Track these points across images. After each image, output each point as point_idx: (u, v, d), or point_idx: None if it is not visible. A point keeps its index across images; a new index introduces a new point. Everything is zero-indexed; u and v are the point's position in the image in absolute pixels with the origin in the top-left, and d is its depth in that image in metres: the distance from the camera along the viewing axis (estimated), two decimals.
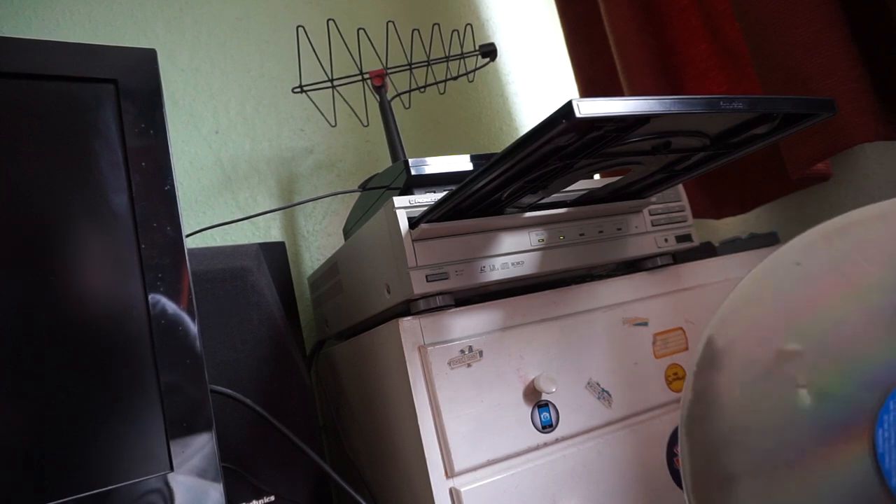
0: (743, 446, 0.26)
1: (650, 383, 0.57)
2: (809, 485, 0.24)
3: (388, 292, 0.52)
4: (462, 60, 0.83)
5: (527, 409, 0.51)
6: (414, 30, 0.92)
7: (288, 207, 0.80)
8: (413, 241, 0.49)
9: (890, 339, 0.25)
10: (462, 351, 0.50)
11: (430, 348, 0.49)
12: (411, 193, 0.55)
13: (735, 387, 0.28)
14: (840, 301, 0.27)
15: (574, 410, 0.52)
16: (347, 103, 0.84)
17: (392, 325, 0.50)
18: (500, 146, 1.05)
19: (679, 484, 0.54)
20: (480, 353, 0.50)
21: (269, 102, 0.88)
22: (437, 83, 0.83)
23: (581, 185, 0.57)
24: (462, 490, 0.47)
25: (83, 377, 0.36)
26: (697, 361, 0.30)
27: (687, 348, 0.60)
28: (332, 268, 0.67)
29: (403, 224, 0.49)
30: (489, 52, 0.79)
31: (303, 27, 0.82)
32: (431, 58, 0.81)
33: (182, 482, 0.37)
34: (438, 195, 0.51)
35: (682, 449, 0.29)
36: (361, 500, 0.52)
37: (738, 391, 0.28)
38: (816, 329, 0.27)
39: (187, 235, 0.64)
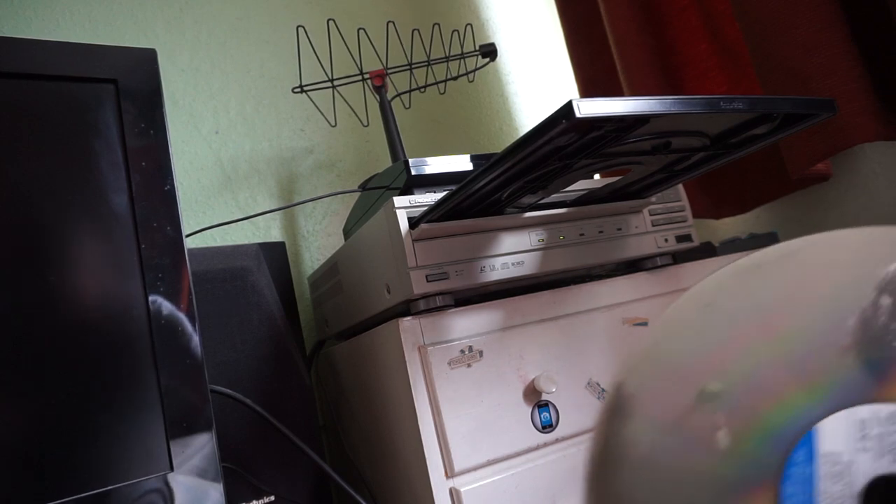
0: (643, 500, 0.25)
1: None
2: None
3: (388, 292, 0.52)
4: (462, 60, 0.83)
5: (527, 409, 0.51)
6: (414, 30, 0.92)
7: (288, 207, 0.80)
8: (413, 241, 0.49)
9: (799, 388, 0.24)
10: (462, 351, 0.50)
11: (430, 348, 0.49)
12: (411, 193, 0.55)
13: (644, 437, 0.26)
14: (751, 346, 0.26)
15: (574, 410, 0.52)
16: (347, 103, 0.84)
17: (392, 325, 0.50)
18: (500, 146, 1.05)
19: None
20: (480, 353, 0.50)
21: (269, 102, 0.88)
22: (437, 83, 0.83)
23: (581, 185, 0.57)
24: (462, 490, 0.47)
25: (83, 377, 0.36)
26: (607, 408, 0.28)
27: None
28: (332, 268, 0.67)
29: (403, 224, 0.49)
30: (489, 52, 0.79)
31: (303, 27, 0.82)
32: (431, 58, 0.81)
33: (182, 482, 0.37)
34: (438, 195, 0.51)
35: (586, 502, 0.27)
36: (361, 500, 0.52)
37: (647, 442, 0.26)
38: (729, 375, 0.25)
39: (187, 235, 0.64)
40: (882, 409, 0.22)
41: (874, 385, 0.23)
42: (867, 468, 0.22)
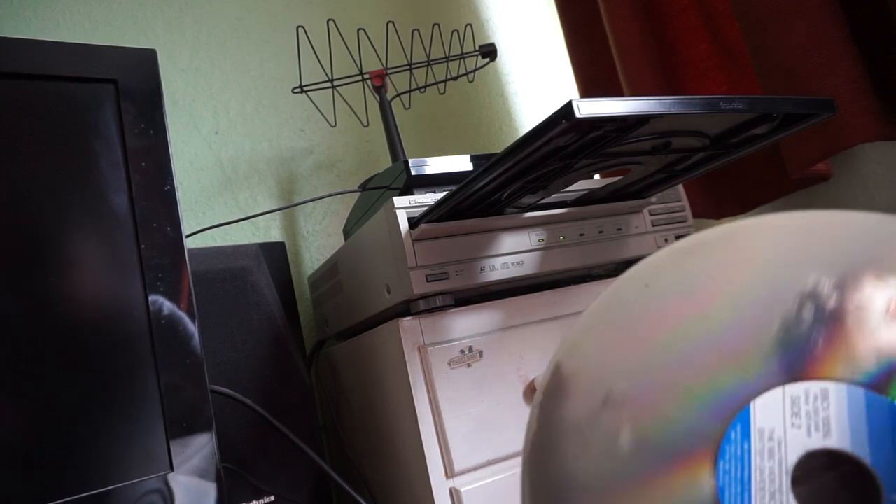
0: (585, 489, 0.25)
1: None
2: None
3: (388, 292, 0.52)
4: (462, 60, 0.83)
5: (527, 410, 0.51)
6: (414, 30, 0.92)
7: (288, 207, 0.80)
8: (413, 241, 0.49)
9: (733, 365, 0.24)
10: (462, 351, 0.50)
11: (430, 348, 0.49)
12: (411, 193, 0.55)
13: (578, 419, 0.26)
14: (686, 324, 0.26)
15: None
16: (347, 103, 0.84)
17: (392, 325, 0.50)
18: (500, 146, 1.05)
19: None
20: (480, 353, 0.50)
21: (269, 102, 0.88)
22: (437, 83, 0.83)
23: (581, 185, 0.57)
24: (462, 490, 0.47)
25: (83, 377, 0.36)
26: (544, 389, 0.28)
27: None
28: (332, 268, 0.67)
29: (403, 224, 0.49)
30: (489, 52, 0.79)
31: (303, 27, 0.82)
32: (431, 58, 0.81)
33: (182, 482, 0.37)
34: (438, 195, 0.51)
35: (522, 487, 0.27)
36: (361, 500, 0.52)
37: (580, 423, 0.26)
38: (659, 354, 0.26)
39: (187, 235, 0.64)
40: (812, 387, 0.23)
41: (803, 364, 0.24)
42: (798, 444, 0.23)
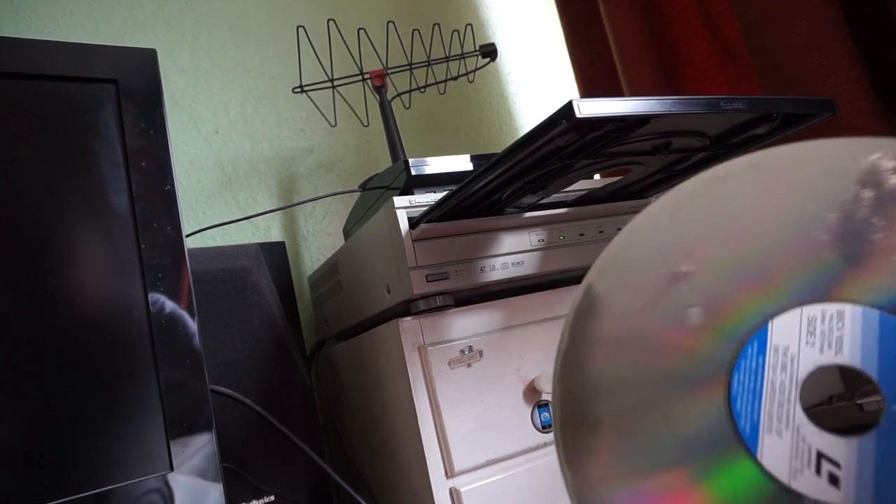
0: (610, 392, 0.28)
1: None
2: (666, 429, 0.26)
3: (388, 292, 0.52)
4: (462, 60, 0.83)
5: (527, 409, 0.51)
6: (414, 30, 0.92)
7: (288, 207, 0.80)
8: (413, 241, 0.49)
9: (757, 293, 0.26)
10: (462, 351, 0.50)
11: (430, 348, 0.49)
12: (411, 193, 0.55)
13: (611, 333, 0.29)
14: (715, 255, 0.28)
15: None
16: (347, 103, 0.84)
17: (392, 325, 0.50)
18: (500, 146, 1.05)
19: None
20: (480, 353, 0.50)
21: (269, 102, 0.88)
22: (437, 83, 0.83)
23: (581, 185, 0.57)
24: (462, 490, 0.46)
25: (83, 377, 0.36)
26: (576, 308, 0.30)
27: None
28: (332, 268, 0.67)
29: (403, 224, 0.49)
30: (489, 52, 0.79)
31: (303, 27, 0.82)
32: (431, 58, 0.81)
33: (182, 482, 0.37)
34: (438, 195, 0.51)
35: (553, 395, 0.29)
36: (361, 500, 0.52)
37: (613, 337, 0.29)
38: (686, 285, 0.28)
39: (187, 235, 0.64)
40: (830, 308, 0.25)
41: (839, 279, 0.26)
42: (810, 360, 0.25)
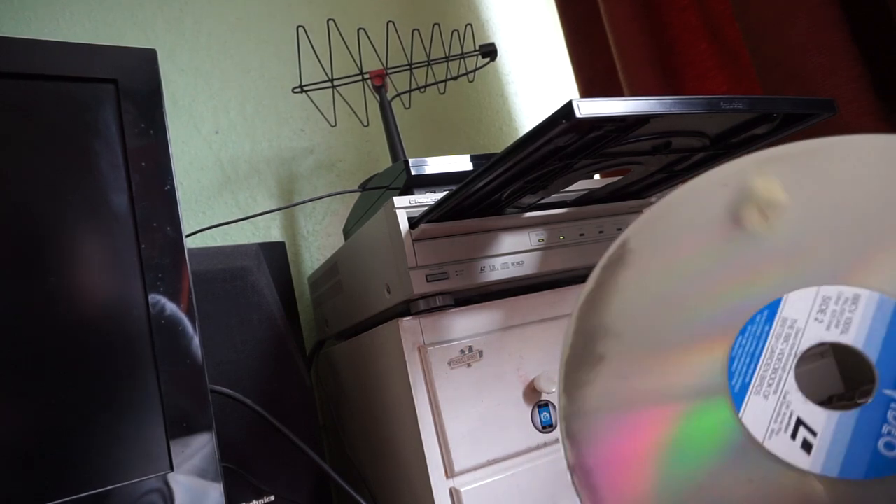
0: (619, 334, 0.30)
1: None
2: (661, 373, 0.28)
3: (388, 292, 0.52)
4: (462, 60, 0.83)
5: (527, 409, 0.51)
6: (414, 30, 0.92)
7: (288, 207, 0.80)
8: (413, 241, 0.49)
9: (780, 271, 0.28)
10: (462, 351, 0.50)
11: (430, 348, 0.49)
12: (411, 193, 0.55)
13: (636, 283, 0.31)
14: (752, 229, 0.30)
15: None
16: (347, 103, 0.84)
17: (392, 325, 0.50)
18: (500, 146, 1.05)
19: None
20: (480, 353, 0.50)
21: (269, 102, 0.88)
22: (437, 83, 0.83)
23: (581, 185, 0.57)
24: (462, 490, 0.47)
25: (83, 377, 0.36)
26: (608, 257, 0.32)
27: None
28: (332, 268, 0.67)
29: (403, 224, 0.49)
30: (489, 52, 0.79)
31: (303, 27, 0.82)
32: (431, 58, 0.81)
33: (182, 482, 0.37)
34: (438, 195, 0.51)
35: (567, 330, 0.32)
36: (361, 500, 0.52)
37: (636, 287, 0.31)
38: (713, 261, 0.30)
39: (187, 235, 0.64)
40: (846, 291, 0.27)
41: (847, 271, 0.27)
42: (813, 335, 0.27)
